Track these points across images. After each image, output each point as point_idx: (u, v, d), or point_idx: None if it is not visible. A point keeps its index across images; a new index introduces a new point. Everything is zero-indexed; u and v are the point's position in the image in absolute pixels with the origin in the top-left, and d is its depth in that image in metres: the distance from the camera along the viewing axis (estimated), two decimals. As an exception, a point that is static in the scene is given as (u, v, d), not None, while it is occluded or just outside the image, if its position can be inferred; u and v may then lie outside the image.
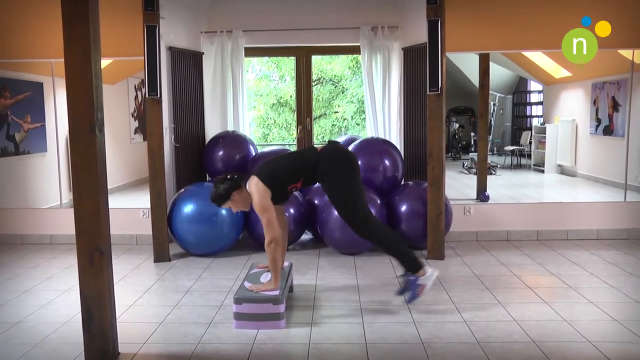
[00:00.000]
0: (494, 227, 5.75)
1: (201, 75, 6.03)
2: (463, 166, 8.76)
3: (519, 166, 9.11)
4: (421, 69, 5.47)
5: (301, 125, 6.48)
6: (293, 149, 7.87)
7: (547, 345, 3.14)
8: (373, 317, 3.62)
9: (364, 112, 9.68)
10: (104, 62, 5.52)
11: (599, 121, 7.13)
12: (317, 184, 3.96)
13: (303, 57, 6.43)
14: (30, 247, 5.72)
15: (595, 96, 7.22)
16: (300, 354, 3.10)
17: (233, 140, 5.87)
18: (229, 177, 3.72)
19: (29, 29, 5.62)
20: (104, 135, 2.83)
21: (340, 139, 6.33)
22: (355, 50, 6.09)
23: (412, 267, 3.71)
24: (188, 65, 5.82)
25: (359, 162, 5.36)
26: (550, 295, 4.03)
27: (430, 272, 3.74)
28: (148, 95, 4.92)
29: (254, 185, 3.61)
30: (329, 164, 3.69)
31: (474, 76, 7.31)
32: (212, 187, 3.74)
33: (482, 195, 6.50)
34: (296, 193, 5.37)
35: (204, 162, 5.93)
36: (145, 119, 4.98)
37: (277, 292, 3.51)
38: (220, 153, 5.75)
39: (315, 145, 4.59)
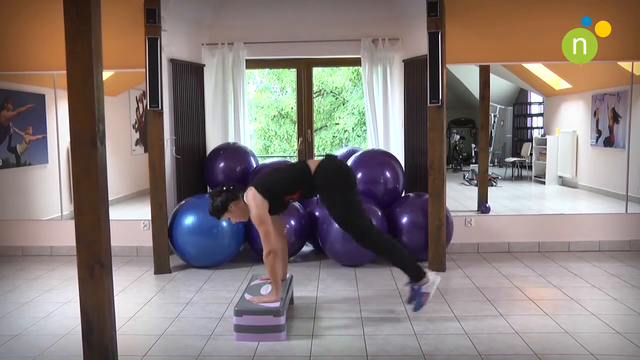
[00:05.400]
0: (495, 239, 5.74)
1: (202, 87, 6.04)
2: (464, 178, 8.74)
3: (519, 178, 9.09)
4: (422, 81, 5.49)
5: (302, 137, 6.49)
6: (294, 160, 7.88)
7: (549, 358, 3.12)
8: (374, 329, 3.61)
9: (364, 124, 9.70)
10: (106, 74, 5.56)
11: (599, 133, 7.13)
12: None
13: (304, 69, 6.46)
14: (30, 258, 5.71)
15: (595, 108, 7.23)
16: (301, 367, 3.09)
17: (234, 152, 5.88)
18: (224, 188, 3.75)
19: (31, 41, 5.65)
20: (105, 147, 2.83)
21: (341, 151, 6.32)
22: (356, 62, 6.10)
23: (414, 276, 3.71)
24: (189, 77, 5.85)
25: (358, 175, 5.47)
26: (552, 307, 4.01)
27: (432, 279, 3.72)
28: (149, 107, 4.94)
29: (251, 197, 3.64)
30: (325, 177, 3.71)
31: (474, 88, 7.33)
32: (209, 201, 3.76)
33: (483, 206, 6.49)
34: (297, 205, 5.37)
35: (204, 174, 5.93)
36: (147, 131, 5.00)
37: (277, 304, 3.50)
38: (221, 165, 5.75)
39: (315, 159, 4.62)
